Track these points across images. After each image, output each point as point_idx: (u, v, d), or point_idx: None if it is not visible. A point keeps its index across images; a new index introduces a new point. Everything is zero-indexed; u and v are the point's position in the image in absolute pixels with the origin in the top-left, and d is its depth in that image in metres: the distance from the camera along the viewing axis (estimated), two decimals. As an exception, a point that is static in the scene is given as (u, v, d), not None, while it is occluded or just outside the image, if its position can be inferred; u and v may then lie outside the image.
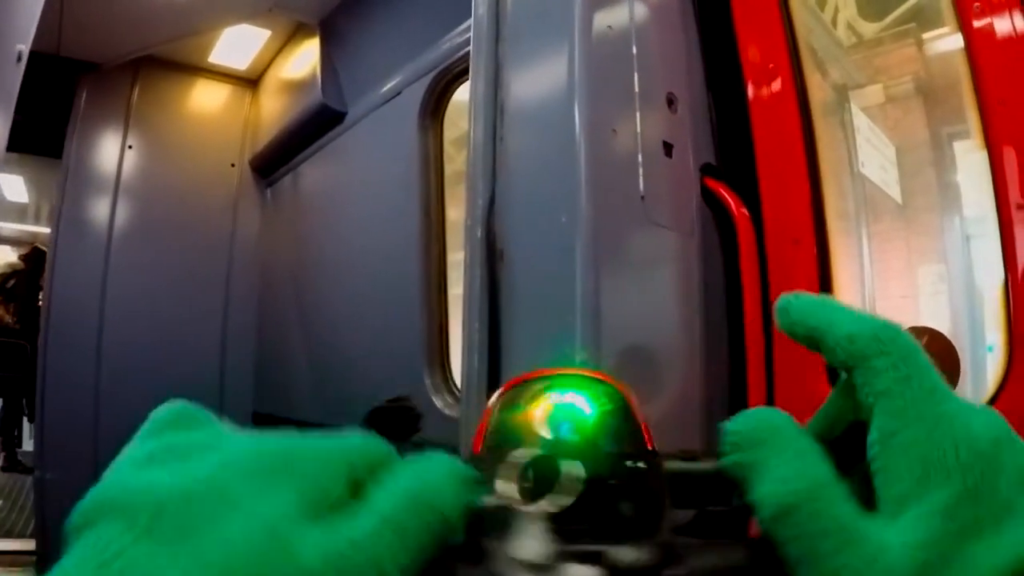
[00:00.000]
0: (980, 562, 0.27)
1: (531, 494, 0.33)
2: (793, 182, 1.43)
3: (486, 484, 0.34)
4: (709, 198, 1.42)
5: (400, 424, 0.54)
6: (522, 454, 0.36)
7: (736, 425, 0.31)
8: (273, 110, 3.65)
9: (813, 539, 0.27)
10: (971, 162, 1.25)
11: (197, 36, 3.42)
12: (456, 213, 2.49)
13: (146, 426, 0.33)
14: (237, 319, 3.67)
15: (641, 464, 0.36)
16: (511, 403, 0.44)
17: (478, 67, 1.37)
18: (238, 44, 3.56)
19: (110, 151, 3.45)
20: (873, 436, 0.31)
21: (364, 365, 2.71)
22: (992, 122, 1.26)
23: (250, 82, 3.87)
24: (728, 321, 1.41)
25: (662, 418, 1.15)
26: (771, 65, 1.51)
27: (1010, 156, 1.23)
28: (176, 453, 0.30)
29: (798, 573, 0.28)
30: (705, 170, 1.45)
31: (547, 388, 0.45)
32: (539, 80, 1.28)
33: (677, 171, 1.32)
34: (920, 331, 1.21)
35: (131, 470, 0.29)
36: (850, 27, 4.30)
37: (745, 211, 1.40)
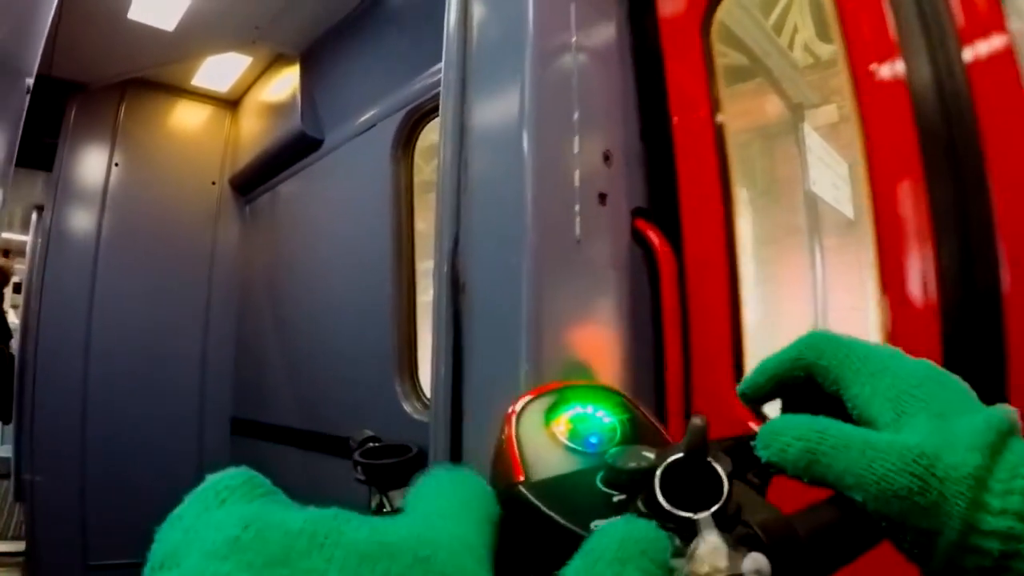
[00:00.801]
0: (964, 429, 0.36)
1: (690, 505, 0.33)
2: (710, 220, 1.66)
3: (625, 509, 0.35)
4: (638, 237, 1.66)
5: (403, 464, 0.58)
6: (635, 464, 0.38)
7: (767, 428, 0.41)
8: (252, 132, 3.77)
9: (846, 451, 0.37)
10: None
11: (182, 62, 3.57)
12: (424, 224, 2.63)
13: (205, 495, 0.29)
14: (217, 328, 3.79)
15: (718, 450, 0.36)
16: (530, 419, 0.45)
17: (446, 109, 1.58)
18: (220, 68, 3.70)
19: (97, 167, 3.57)
20: (850, 403, 0.42)
21: (338, 373, 2.85)
22: (874, 168, 1.51)
23: (230, 103, 4.00)
24: (654, 341, 1.65)
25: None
26: (696, 113, 1.73)
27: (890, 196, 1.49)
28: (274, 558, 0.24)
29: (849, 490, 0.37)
30: (636, 212, 1.68)
31: (562, 403, 0.47)
32: (495, 143, 1.51)
33: (610, 217, 1.56)
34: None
35: None
36: (807, 49, 4.53)
37: (668, 248, 1.64)
